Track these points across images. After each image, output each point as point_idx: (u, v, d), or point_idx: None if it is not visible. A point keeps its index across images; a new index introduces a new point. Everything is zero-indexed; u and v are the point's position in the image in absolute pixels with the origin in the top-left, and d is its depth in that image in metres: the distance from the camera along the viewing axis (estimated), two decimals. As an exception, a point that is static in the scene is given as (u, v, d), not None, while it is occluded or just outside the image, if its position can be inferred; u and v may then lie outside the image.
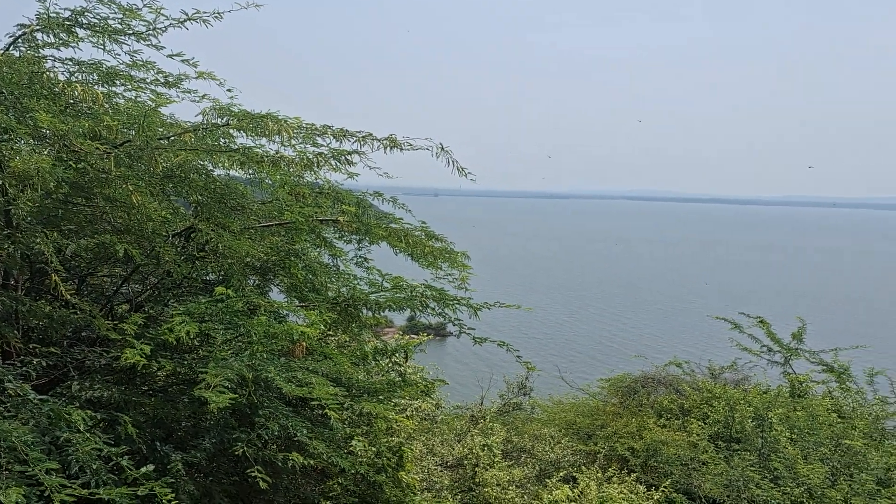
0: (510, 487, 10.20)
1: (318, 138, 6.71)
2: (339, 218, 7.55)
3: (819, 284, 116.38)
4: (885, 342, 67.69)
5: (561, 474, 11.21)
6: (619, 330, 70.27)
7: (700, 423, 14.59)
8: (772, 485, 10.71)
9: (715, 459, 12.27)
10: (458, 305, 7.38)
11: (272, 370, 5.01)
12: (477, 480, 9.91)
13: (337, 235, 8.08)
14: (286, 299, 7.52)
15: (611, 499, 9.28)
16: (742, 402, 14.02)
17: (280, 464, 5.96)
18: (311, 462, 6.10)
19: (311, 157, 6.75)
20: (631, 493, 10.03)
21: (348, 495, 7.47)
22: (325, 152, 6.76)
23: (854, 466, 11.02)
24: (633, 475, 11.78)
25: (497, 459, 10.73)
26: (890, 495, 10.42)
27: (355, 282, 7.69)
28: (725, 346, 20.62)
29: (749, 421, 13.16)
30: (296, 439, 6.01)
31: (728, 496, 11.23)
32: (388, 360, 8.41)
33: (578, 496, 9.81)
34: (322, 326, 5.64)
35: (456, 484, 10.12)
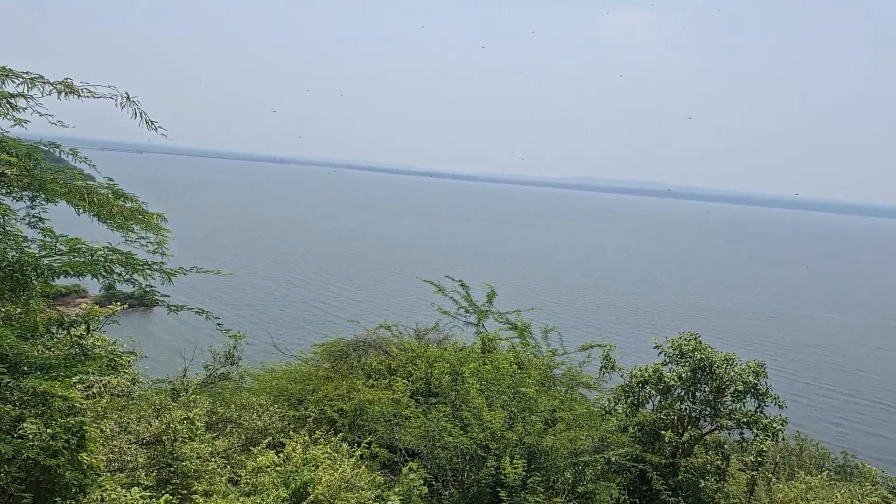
0: (212, 459, 9.90)
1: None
2: (6, 171, 6.54)
3: (517, 252, 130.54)
4: (558, 304, 78.41)
5: (267, 441, 11.16)
6: (334, 296, 71.67)
7: (405, 381, 15.55)
8: (461, 432, 11.84)
9: (415, 414, 13.18)
10: (148, 271, 6.84)
11: None
12: (176, 455, 9.44)
13: (4, 191, 6.98)
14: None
15: (314, 459, 9.48)
16: (440, 359, 15.22)
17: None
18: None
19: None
20: (335, 451, 10.35)
21: (17, 484, 6.61)
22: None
23: (527, 410, 12.63)
24: (340, 435, 12.17)
25: (200, 432, 10.33)
26: (554, 433, 12.16)
27: (25, 244, 6.71)
28: (431, 308, 22.22)
29: (446, 376, 14.35)
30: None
31: (425, 446, 12.17)
32: (66, 333, 7.51)
33: (284, 460, 9.87)
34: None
35: (153, 461, 9.54)
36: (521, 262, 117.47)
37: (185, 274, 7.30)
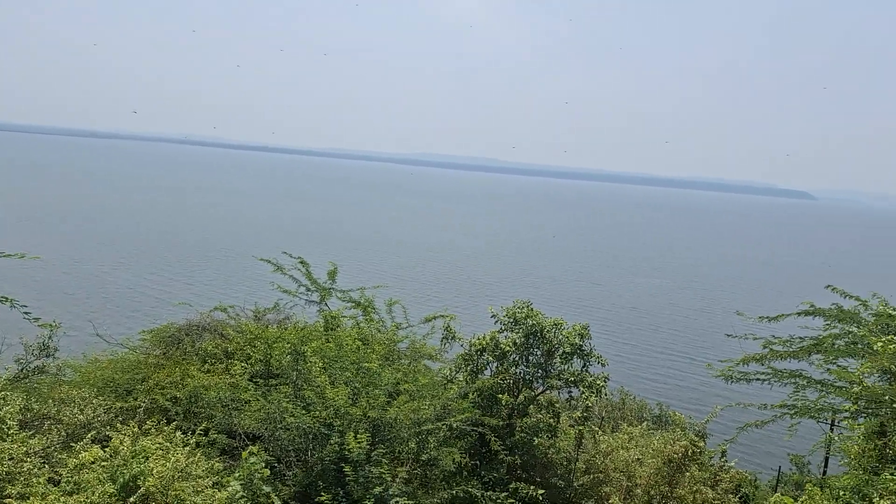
0: (28, 459, 9.07)
1: None
2: None
3: (357, 228, 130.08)
4: (402, 279, 79.37)
5: (91, 435, 10.39)
6: (162, 279, 67.56)
7: (243, 365, 15.09)
8: (304, 411, 11.72)
9: (255, 397, 12.85)
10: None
11: None
12: (-18, 460, 8.54)
13: None
14: None
15: (144, 450, 8.98)
16: (280, 339, 14.92)
17: None
18: None
19: None
20: (168, 441, 9.86)
21: None
22: None
23: (371, 385, 12.74)
24: (174, 424, 11.60)
25: (12, 432, 9.43)
26: (398, 405, 12.37)
27: None
28: (270, 288, 21.65)
29: (287, 356, 14.09)
30: None
31: (266, 428, 11.93)
32: None
33: (110, 455, 9.24)
34: None
35: (-49, 470, 8.58)
36: (363, 238, 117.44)
37: (-18, 259, 6.56)
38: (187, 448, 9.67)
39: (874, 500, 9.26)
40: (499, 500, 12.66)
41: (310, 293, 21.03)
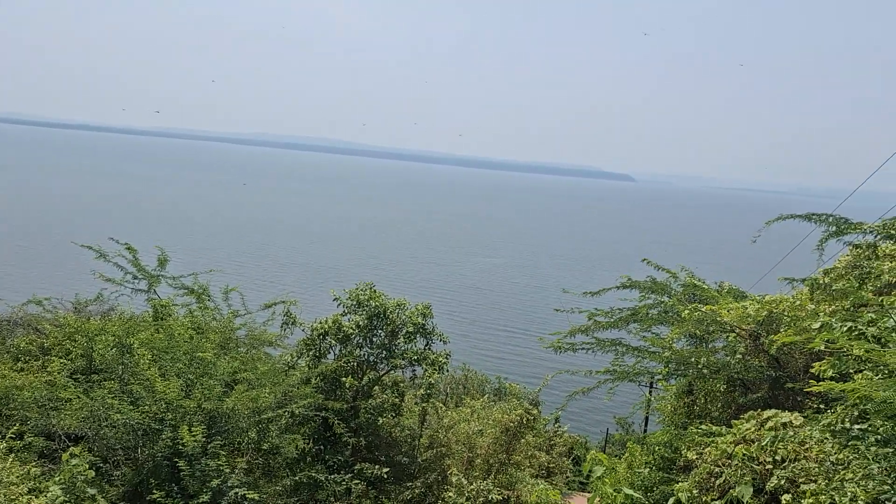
0: None
1: None
2: None
3: (193, 212, 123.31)
4: (240, 264, 76.62)
5: None
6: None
7: (62, 361, 13.90)
8: (131, 407, 11.02)
9: (75, 394, 11.90)
10: None
11: None
12: None
13: None
14: None
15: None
16: (103, 332, 13.89)
17: None
18: None
19: None
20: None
21: None
22: None
23: (206, 375, 12.22)
24: (-21, 431, 10.49)
25: None
26: (236, 394, 11.98)
27: None
28: (92, 277, 20.03)
29: (111, 350, 13.16)
30: None
31: (90, 427, 11.10)
32: None
33: None
34: None
35: None
36: (197, 222, 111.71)
37: None
38: (-6, 455, 8.80)
39: (683, 452, 10.30)
40: (343, 483, 12.69)
41: (137, 281, 19.72)
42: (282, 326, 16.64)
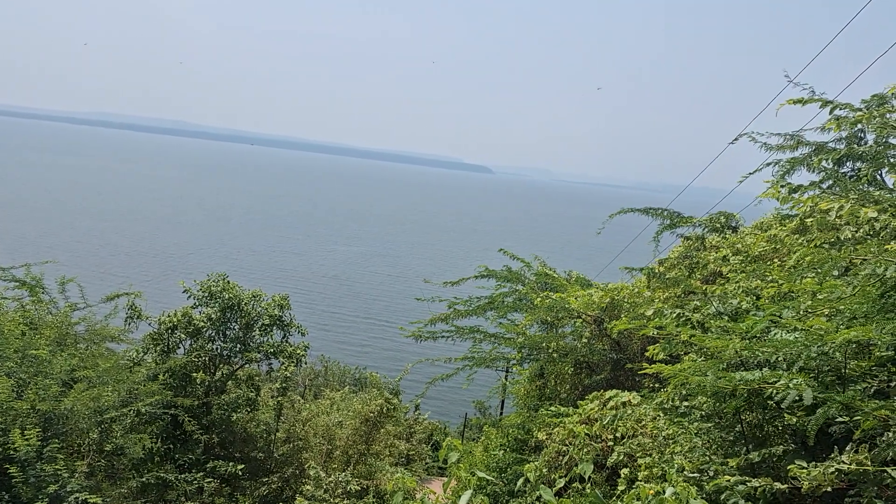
0: None
1: None
2: None
3: (14, 194, 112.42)
4: (77, 253, 71.14)
5: None
6: None
7: None
8: (-48, 412, 9.98)
9: None
10: None
11: None
12: None
13: None
14: None
15: None
16: (-85, 329, 12.43)
17: None
18: None
19: None
20: None
21: None
22: None
23: (40, 374, 11.30)
24: None
25: None
26: (74, 394, 11.16)
27: None
28: None
29: (-75, 350, 11.83)
30: None
31: None
32: None
33: None
34: None
35: None
36: (26, 207, 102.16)
37: None
38: None
39: (534, 433, 10.84)
40: (195, 482, 12.20)
41: (-42, 273, 17.82)
42: (126, 320, 15.67)
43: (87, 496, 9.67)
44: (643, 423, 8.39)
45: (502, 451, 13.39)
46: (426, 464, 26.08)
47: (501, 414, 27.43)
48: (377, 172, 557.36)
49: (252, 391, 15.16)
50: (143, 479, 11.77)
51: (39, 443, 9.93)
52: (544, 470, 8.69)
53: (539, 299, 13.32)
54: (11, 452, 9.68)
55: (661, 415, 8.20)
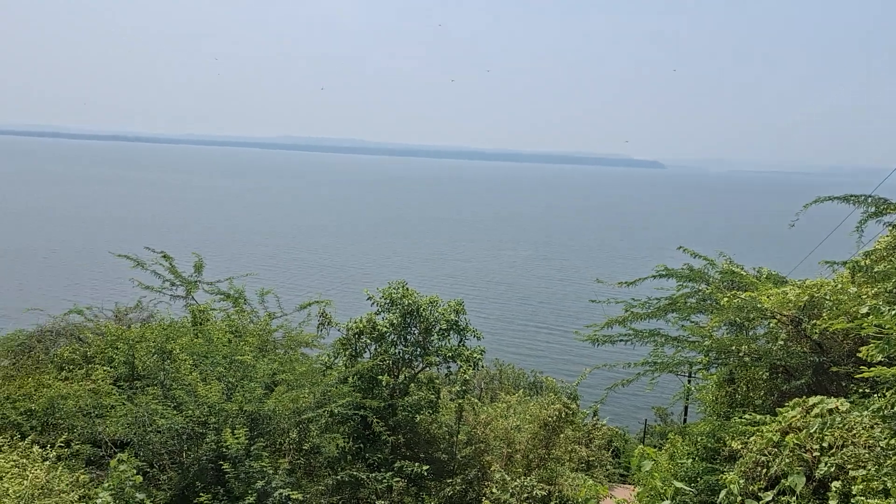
0: None
1: None
2: None
3: (209, 219, 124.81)
4: (272, 267, 77.41)
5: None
6: (6, 284, 61.96)
7: (105, 369, 14.17)
8: (175, 412, 11.19)
9: (120, 401, 12.12)
10: None
11: None
12: None
13: None
14: None
15: (-2, 471, 8.27)
16: (143, 339, 14.12)
17: None
18: None
19: None
20: (24, 458, 9.12)
21: None
22: None
23: (246, 378, 12.37)
24: (29, 439, 10.73)
25: None
26: (276, 396, 12.10)
27: None
28: (132, 285, 20.40)
29: (152, 356, 13.38)
30: None
31: (135, 433, 11.30)
32: None
33: (-44, 481, 8.43)
34: None
35: None
36: (226, 228, 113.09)
37: None
38: (47, 463, 9.00)
39: (728, 442, 10.14)
40: (384, 480, 12.74)
41: (174, 287, 20.04)
42: (318, 327, 16.75)
43: (290, 492, 10.41)
44: (855, 432, 7.56)
45: (690, 460, 12.67)
46: (606, 470, 25.41)
47: (685, 421, 26.08)
48: (541, 175, 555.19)
49: (433, 394, 15.59)
50: (338, 477, 12.48)
51: (247, 441, 10.85)
52: (741, 481, 8.10)
53: (726, 299, 12.47)
54: (224, 450, 10.66)
55: (880, 423, 7.35)
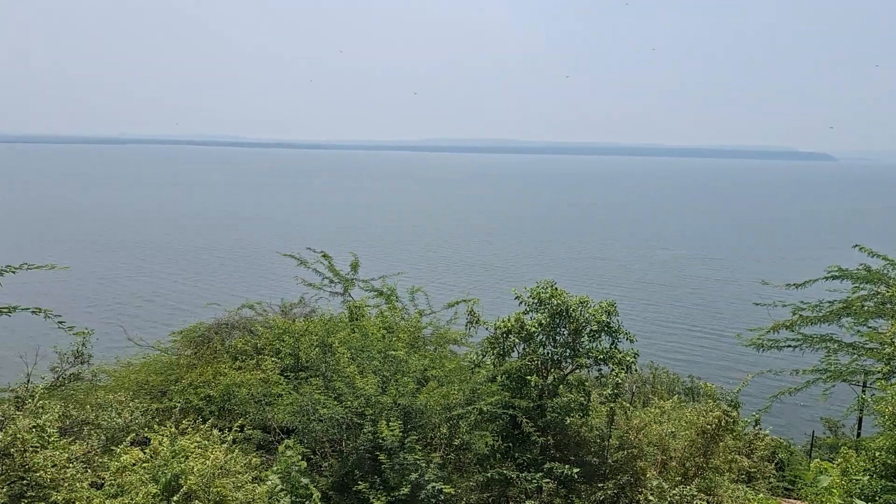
0: (70, 465, 9.26)
1: None
2: None
3: (360, 220, 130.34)
4: (421, 265, 79.51)
5: (130, 438, 10.59)
6: (185, 281, 68.32)
7: (273, 360, 15.24)
8: (335, 402, 11.83)
9: (286, 391, 12.99)
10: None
11: None
12: (27, 467, 8.74)
13: None
14: None
15: (183, 450, 9.13)
16: (307, 332, 15.03)
17: None
18: None
19: None
20: (205, 440, 10.02)
21: None
22: None
23: (399, 372, 12.82)
24: (209, 422, 11.77)
25: (52, 439, 9.61)
26: (427, 391, 12.45)
27: None
28: (295, 283, 21.84)
29: (315, 349, 14.21)
30: None
31: (300, 421, 12.07)
32: None
33: (151, 456, 9.42)
34: None
35: (2, 476, 8.78)
36: (377, 227, 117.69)
37: (13, 272, 6.68)
38: (224, 445, 9.81)
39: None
40: (534, 481, 12.71)
41: (333, 285, 21.19)
42: (466, 325, 17.01)
43: (442, 485, 10.67)
44: None
45: (867, 477, 11.57)
46: (769, 483, 23.76)
47: (859, 434, 23.83)
48: (695, 170, 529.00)
49: (583, 396, 15.34)
50: (488, 475, 12.61)
51: (401, 434, 11.25)
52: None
53: (912, 303, 11.27)
54: (380, 441, 11.11)
55: None
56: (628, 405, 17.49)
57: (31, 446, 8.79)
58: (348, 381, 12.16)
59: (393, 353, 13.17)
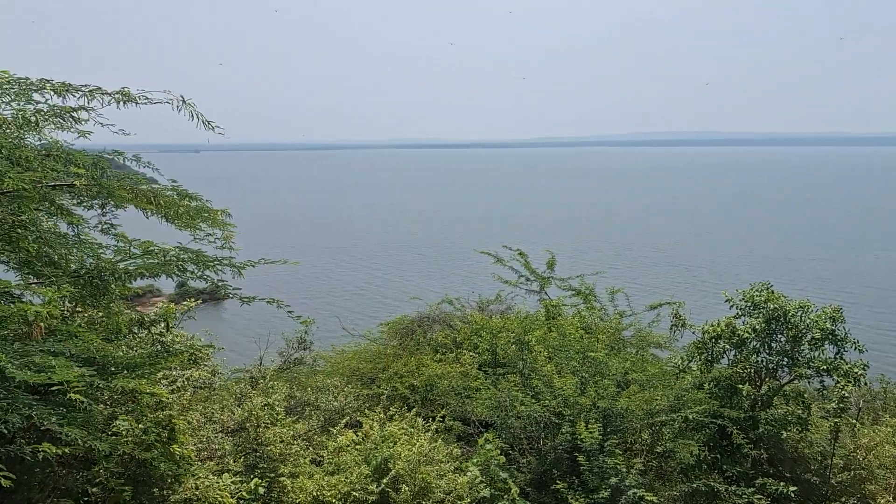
0: (295, 442, 10.21)
1: (34, 94, 5.91)
2: (75, 182, 6.77)
3: (563, 218, 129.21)
4: (618, 265, 77.33)
5: (345, 420, 11.43)
6: (393, 276, 72.44)
7: (471, 354, 15.66)
8: (533, 400, 11.87)
9: (485, 385, 13.27)
10: (219, 266, 7.05)
11: (2, 357, 4.44)
12: (260, 441, 9.77)
13: (75, 202, 7.27)
14: (18, 276, 6.68)
15: (392, 435, 9.68)
16: (504, 329, 15.24)
17: (29, 458, 5.39)
18: (67, 450, 5.58)
19: (29, 115, 5.93)
20: (411, 427, 10.54)
21: (117, 478, 6.97)
22: (45, 109, 5.97)
23: (599, 374, 12.57)
24: (414, 410, 12.37)
25: (280, 417, 10.65)
26: (628, 395, 12.09)
27: (100, 250, 6.99)
28: (492, 280, 22.27)
29: (512, 346, 14.37)
30: (45, 428, 5.46)
31: (497, 416, 12.27)
32: (147, 332, 7.82)
33: (362, 439, 10.11)
34: (59, 304, 5.11)
35: (239, 448, 9.90)
36: (572, 225, 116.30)
37: (253, 266, 7.49)
38: (428, 434, 10.26)
39: None
40: (744, 496, 11.84)
41: (529, 283, 21.25)
42: (670, 328, 16.26)
43: (644, 493, 10.30)
44: None
45: None
46: None
47: None
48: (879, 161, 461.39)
49: (801, 409, 14.02)
50: (693, 485, 11.97)
51: (600, 437, 11.03)
52: None
53: None
54: (579, 442, 10.97)
55: None
56: (855, 421, 15.72)
57: (263, 423, 9.79)
58: (546, 380, 12.14)
59: (592, 354, 12.95)
